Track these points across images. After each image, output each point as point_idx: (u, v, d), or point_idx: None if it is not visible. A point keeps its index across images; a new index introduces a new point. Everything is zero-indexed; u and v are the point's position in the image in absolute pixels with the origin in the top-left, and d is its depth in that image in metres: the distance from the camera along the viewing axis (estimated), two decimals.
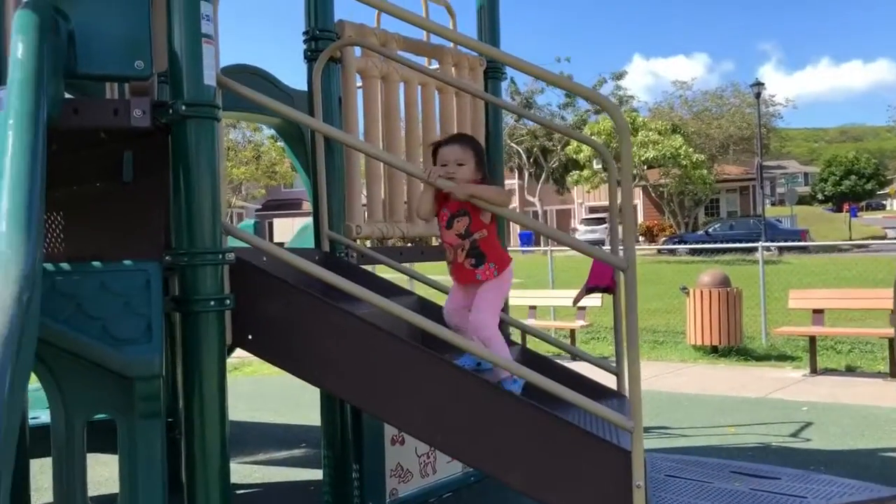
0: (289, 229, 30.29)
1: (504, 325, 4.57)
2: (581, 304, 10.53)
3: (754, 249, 12.68)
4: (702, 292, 9.74)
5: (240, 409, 6.96)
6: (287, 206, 48.17)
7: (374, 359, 2.62)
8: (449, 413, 2.59)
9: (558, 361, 3.74)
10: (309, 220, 6.88)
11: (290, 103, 5.53)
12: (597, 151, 5.44)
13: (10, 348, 1.39)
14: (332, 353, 2.67)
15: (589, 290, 3.58)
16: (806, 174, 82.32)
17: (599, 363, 3.75)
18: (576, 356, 4.06)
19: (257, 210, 50.23)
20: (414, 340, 2.96)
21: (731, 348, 9.84)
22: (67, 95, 2.76)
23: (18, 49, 2.00)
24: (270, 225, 45.01)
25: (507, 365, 2.73)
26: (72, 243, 3.08)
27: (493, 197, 2.86)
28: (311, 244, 5.38)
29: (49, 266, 2.33)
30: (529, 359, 3.54)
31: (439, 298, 3.47)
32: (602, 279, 3.51)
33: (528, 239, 33.43)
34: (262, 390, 8.36)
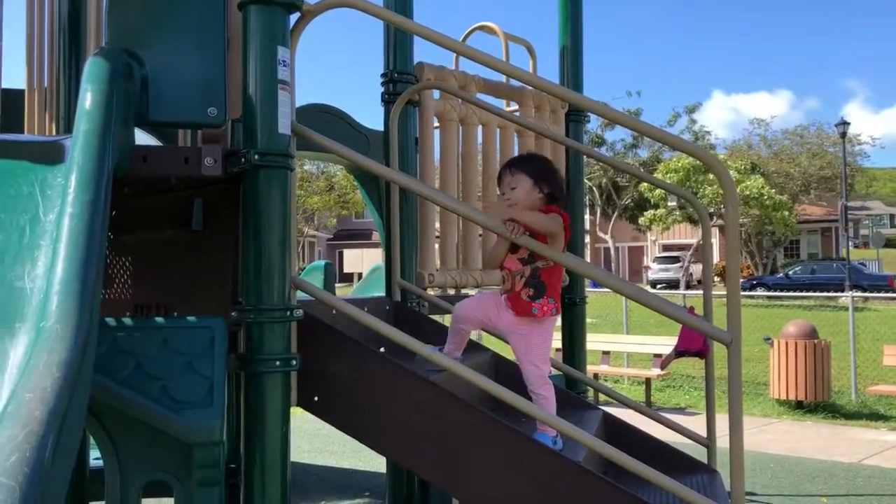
0: (358, 260, 30.51)
1: (576, 383, 4.33)
2: (656, 348, 10.14)
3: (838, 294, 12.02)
4: (787, 343, 9.23)
5: (302, 449, 6.84)
6: (357, 236, 48.71)
7: (448, 431, 2.42)
8: (532, 501, 2.35)
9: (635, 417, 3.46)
10: (379, 260, 6.77)
11: (365, 143, 5.48)
12: (686, 200, 5.16)
13: (53, 429, 1.25)
14: (401, 422, 2.49)
15: (679, 353, 3.32)
16: (892, 216, 79.03)
17: (688, 433, 3.45)
18: (650, 412, 3.77)
19: (328, 240, 51.01)
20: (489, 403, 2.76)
21: (819, 404, 9.27)
22: (142, 135, 2.72)
23: (87, 99, 1.91)
24: (341, 255, 45.55)
25: (564, 429, 2.43)
26: (138, 290, 2.99)
27: (538, 223, 2.58)
28: (381, 286, 5.23)
29: (111, 321, 2.22)
30: (611, 427, 3.29)
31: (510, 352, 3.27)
32: (693, 342, 3.24)
33: None
34: (325, 429, 8.22)
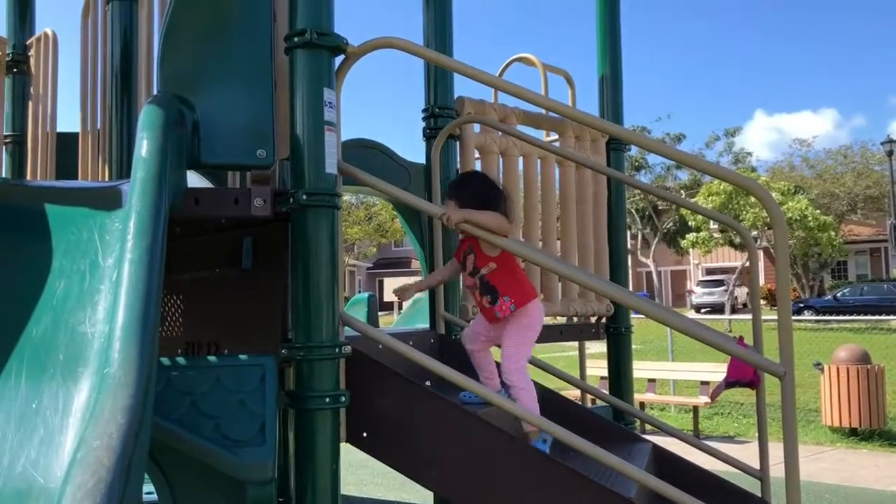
0: None
1: (622, 413, 4.27)
2: (703, 375, 9.97)
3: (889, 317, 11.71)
4: (839, 369, 9.01)
5: (347, 481, 6.82)
6: (397, 265, 48.88)
7: (499, 469, 2.41)
8: None
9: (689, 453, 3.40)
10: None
11: (406, 176, 5.53)
12: (729, 226, 5.11)
13: (121, 476, 1.28)
14: (451, 459, 2.48)
15: (729, 384, 3.26)
16: None
17: (740, 465, 3.38)
18: (701, 444, 3.69)
19: (368, 268, 51.28)
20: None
21: (874, 431, 9.00)
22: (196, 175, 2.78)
23: (143, 147, 1.97)
24: (381, 283, 45.76)
25: (540, 423, 2.50)
26: (189, 328, 3.05)
27: (487, 221, 2.67)
28: (423, 317, 5.24)
29: (165, 361, 2.26)
30: (660, 459, 3.24)
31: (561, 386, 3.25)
32: (744, 373, 3.19)
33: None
34: (370, 460, 8.22)
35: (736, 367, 3.21)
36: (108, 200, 2.09)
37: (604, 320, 4.51)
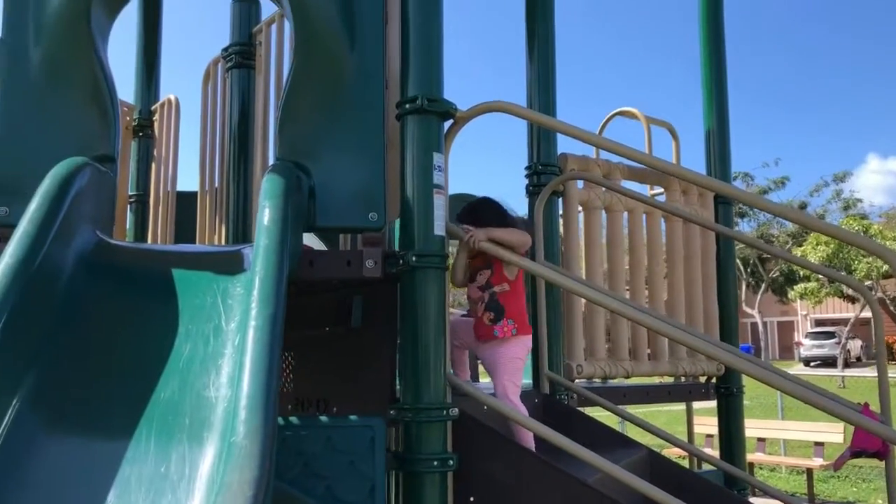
0: None
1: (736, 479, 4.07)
2: (817, 436, 9.42)
3: None
4: None
5: None
6: None
7: None
8: None
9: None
10: None
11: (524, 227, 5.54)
12: (840, 282, 4.87)
13: None
14: None
15: (854, 454, 3.07)
16: None
17: None
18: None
19: (462, 315, 51.23)
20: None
21: None
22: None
23: (265, 215, 2.05)
24: None
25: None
26: (299, 384, 3.12)
27: (510, 239, 2.82)
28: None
29: (280, 420, 2.31)
30: None
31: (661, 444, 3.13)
32: (872, 442, 3.00)
33: (746, 352, 31.12)
34: None
35: (862, 436, 3.02)
36: (230, 265, 2.18)
37: (713, 379, 4.35)
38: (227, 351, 1.89)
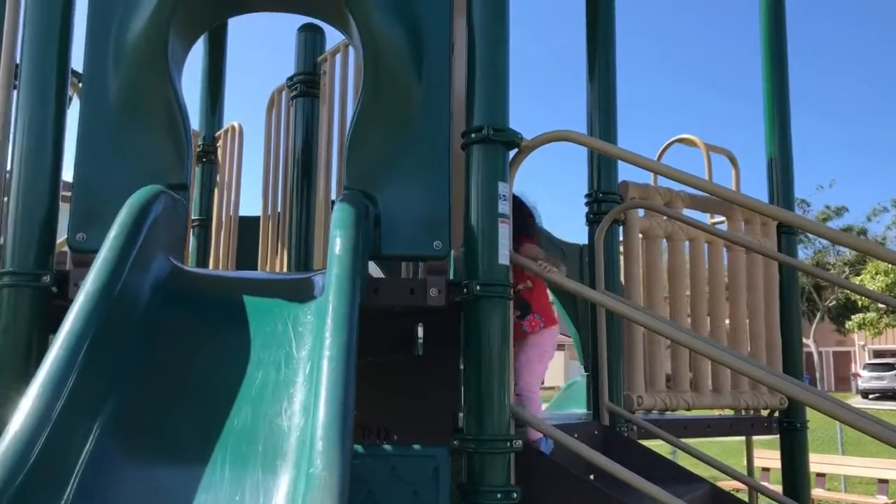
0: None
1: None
2: (880, 472, 9.09)
3: None
4: None
5: None
6: None
7: None
8: None
9: None
10: (578, 376, 6.63)
11: (561, 256, 5.51)
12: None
13: None
14: None
15: None
16: None
17: None
18: None
19: None
20: None
21: None
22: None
23: (337, 244, 2.07)
24: None
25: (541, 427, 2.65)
26: (361, 412, 3.12)
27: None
28: (578, 402, 5.10)
29: None
30: None
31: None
32: None
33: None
34: None
35: None
36: (300, 293, 2.21)
37: (776, 413, 4.23)
38: (298, 379, 1.90)
